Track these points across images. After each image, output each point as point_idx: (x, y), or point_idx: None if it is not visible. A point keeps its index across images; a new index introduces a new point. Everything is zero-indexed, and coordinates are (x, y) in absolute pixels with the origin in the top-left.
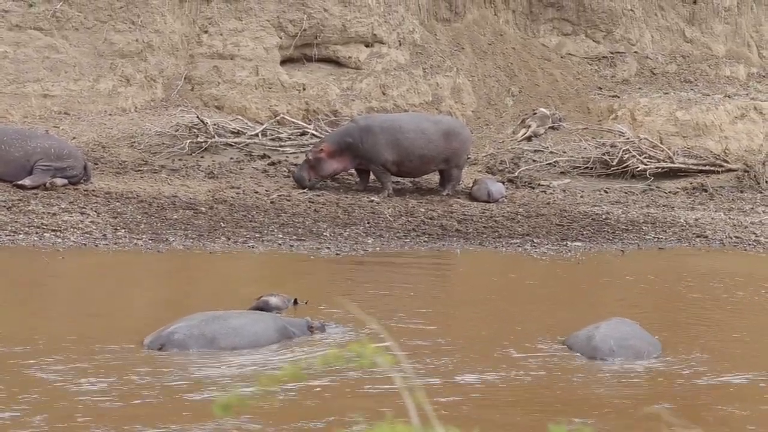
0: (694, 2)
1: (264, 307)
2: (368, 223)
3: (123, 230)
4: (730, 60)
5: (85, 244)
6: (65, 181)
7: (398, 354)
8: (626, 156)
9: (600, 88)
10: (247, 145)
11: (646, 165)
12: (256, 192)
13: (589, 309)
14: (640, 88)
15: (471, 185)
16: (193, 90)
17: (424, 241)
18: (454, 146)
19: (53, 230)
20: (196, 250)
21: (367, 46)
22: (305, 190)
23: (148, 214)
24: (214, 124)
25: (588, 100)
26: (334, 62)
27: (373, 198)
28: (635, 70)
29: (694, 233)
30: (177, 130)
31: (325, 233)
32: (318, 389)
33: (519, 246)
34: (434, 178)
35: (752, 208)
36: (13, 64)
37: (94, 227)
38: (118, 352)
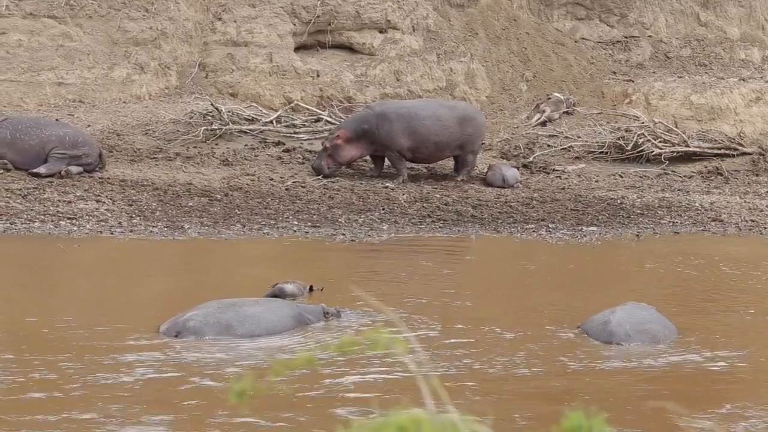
0: None
1: (279, 294)
2: (383, 209)
3: (138, 218)
4: (745, 43)
5: (100, 232)
6: (80, 169)
7: (412, 340)
8: (641, 140)
9: (614, 73)
10: (261, 132)
11: (660, 149)
12: (271, 179)
13: (604, 294)
14: (654, 72)
15: (485, 171)
16: (207, 77)
17: (439, 227)
18: (469, 132)
19: (69, 218)
20: (212, 238)
21: (380, 32)
22: (320, 177)
23: (163, 201)
24: (229, 112)
25: (602, 84)
26: (348, 48)
27: (387, 184)
28: (649, 54)
29: (709, 217)
30: (191, 118)
31: (340, 220)
32: (331, 377)
33: (534, 231)
34: (449, 163)
35: (767, 192)
36: (28, 53)
37: (109, 215)
38: (133, 340)
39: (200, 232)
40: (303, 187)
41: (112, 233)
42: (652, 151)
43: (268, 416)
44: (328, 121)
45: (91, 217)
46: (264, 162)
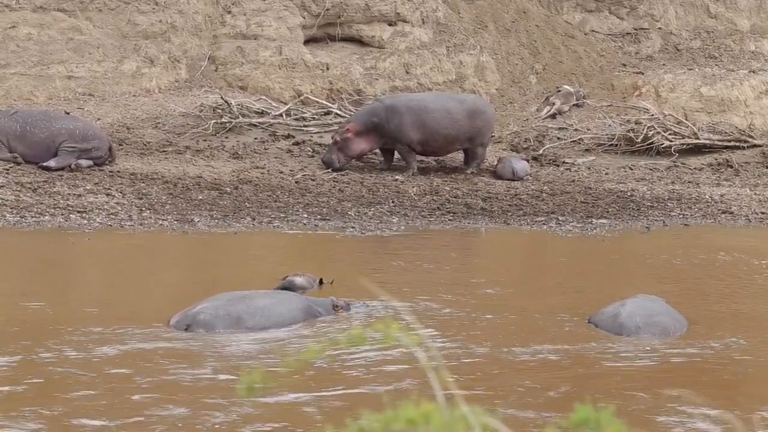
0: None
1: (289, 287)
2: (393, 202)
3: (148, 211)
4: (755, 35)
5: (110, 225)
6: (90, 162)
7: (422, 332)
8: (651, 133)
9: (624, 65)
10: (271, 125)
11: (671, 141)
12: (281, 172)
13: (614, 286)
14: (664, 65)
15: (495, 163)
16: (216, 70)
17: (449, 220)
18: (479, 125)
19: (79, 211)
20: (221, 231)
21: (390, 24)
22: (330, 170)
23: (173, 194)
24: (238, 105)
25: (612, 76)
26: (358, 41)
27: (397, 177)
28: (659, 47)
29: (719, 209)
30: (201, 111)
31: (349, 213)
32: (343, 369)
33: (544, 224)
34: (458, 156)
35: None
36: (37, 46)
37: (119, 208)
38: (144, 333)
39: (210, 225)
40: (313, 180)
41: (122, 226)
42: (662, 144)
43: (276, 409)
44: (337, 114)
45: (101, 211)
46: (274, 155)
